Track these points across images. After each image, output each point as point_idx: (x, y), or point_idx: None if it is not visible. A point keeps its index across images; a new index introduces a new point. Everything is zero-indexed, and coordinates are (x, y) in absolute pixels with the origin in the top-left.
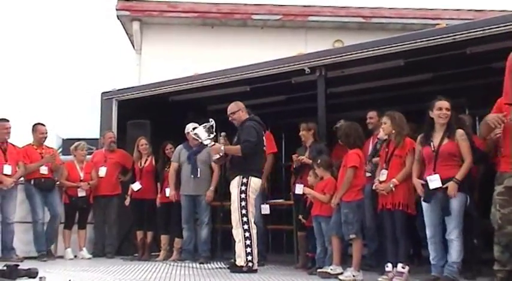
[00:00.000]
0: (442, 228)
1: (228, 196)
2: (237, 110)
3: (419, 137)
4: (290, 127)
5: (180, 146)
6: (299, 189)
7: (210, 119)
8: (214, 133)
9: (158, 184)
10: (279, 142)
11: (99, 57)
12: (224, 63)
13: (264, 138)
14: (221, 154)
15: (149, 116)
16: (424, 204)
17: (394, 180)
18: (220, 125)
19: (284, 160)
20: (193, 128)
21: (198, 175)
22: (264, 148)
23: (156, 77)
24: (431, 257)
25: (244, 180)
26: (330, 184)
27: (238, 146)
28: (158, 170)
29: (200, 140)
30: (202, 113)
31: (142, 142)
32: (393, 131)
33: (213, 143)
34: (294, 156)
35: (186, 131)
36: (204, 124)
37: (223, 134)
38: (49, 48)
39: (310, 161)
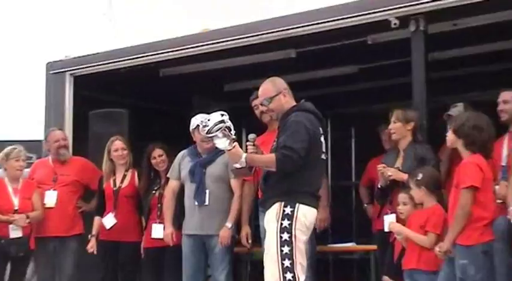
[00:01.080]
0: None
1: (259, 236)
2: (275, 95)
3: None
4: (365, 119)
5: (182, 153)
6: (388, 223)
7: (221, 113)
8: (234, 136)
9: (143, 218)
10: (345, 143)
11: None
12: (246, 16)
13: (322, 140)
14: (242, 166)
15: (127, 102)
16: None
17: None
18: (245, 120)
19: (355, 174)
20: (204, 125)
21: (207, 202)
22: (324, 156)
23: (138, 38)
24: None
25: (288, 210)
26: (435, 215)
27: (272, 156)
28: (143, 194)
29: (211, 142)
30: (215, 96)
31: (118, 146)
32: None
33: (230, 145)
34: (379, 167)
35: (191, 128)
36: (218, 117)
37: (251, 136)
38: None
39: (405, 176)
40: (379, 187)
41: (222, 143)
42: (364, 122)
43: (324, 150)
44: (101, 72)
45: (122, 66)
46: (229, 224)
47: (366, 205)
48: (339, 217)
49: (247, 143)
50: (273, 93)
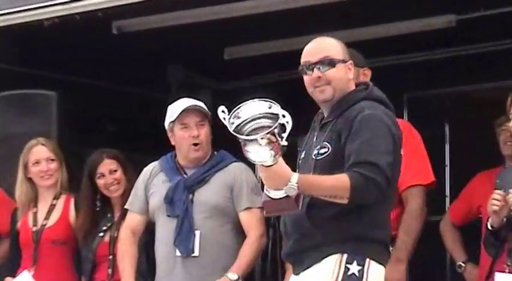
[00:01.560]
0: None
1: None
2: (342, 59)
3: None
4: (468, 107)
5: (151, 167)
6: None
7: (270, 104)
8: (284, 144)
9: (83, 278)
10: (432, 148)
11: None
12: None
13: (401, 149)
14: (287, 194)
15: (57, 79)
16: None
17: None
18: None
19: (449, 201)
20: (233, 116)
21: (196, 251)
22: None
23: None
24: None
25: (354, 268)
26: None
27: (343, 179)
28: (82, 238)
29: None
30: (207, 67)
31: (40, 156)
32: None
33: (272, 160)
34: (495, 195)
35: (167, 122)
36: (262, 107)
37: (282, 143)
38: None
39: None
40: (490, 227)
41: (260, 153)
42: (466, 113)
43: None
44: (8, 27)
45: (45, 16)
46: (233, 276)
47: (461, 264)
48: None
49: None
50: (340, 56)
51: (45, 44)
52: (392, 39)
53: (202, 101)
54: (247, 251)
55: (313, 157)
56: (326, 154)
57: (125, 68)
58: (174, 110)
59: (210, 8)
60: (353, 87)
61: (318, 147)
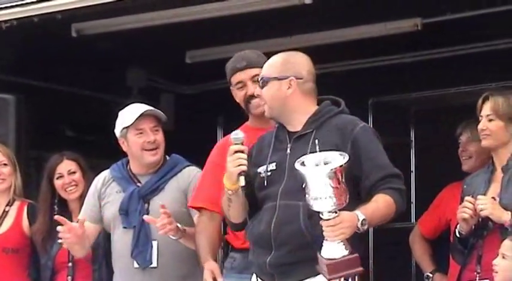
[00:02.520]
0: None
1: None
2: (276, 77)
3: None
4: (434, 112)
5: (103, 176)
6: None
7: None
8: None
9: None
10: (398, 156)
11: None
12: None
13: None
14: (362, 229)
15: (15, 82)
16: None
17: None
18: (221, 110)
19: (415, 212)
20: (315, 164)
21: (154, 262)
22: None
23: None
24: None
25: None
26: None
27: (388, 200)
28: (40, 244)
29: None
30: (168, 69)
31: None
32: None
33: (334, 213)
34: (466, 201)
35: (118, 128)
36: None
37: (236, 136)
38: None
39: (508, 213)
40: (458, 234)
41: (325, 205)
42: (432, 117)
43: None
44: None
45: (3, 18)
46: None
47: (429, 275)
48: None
49: (236, 147)
50: (275, 74)
51: (3, 47)
52: (357, 43)
53: (164, 105)
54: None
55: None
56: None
57: (84, 72)
58: (127, 115)
59: (171, 10)
60: (299, 101)
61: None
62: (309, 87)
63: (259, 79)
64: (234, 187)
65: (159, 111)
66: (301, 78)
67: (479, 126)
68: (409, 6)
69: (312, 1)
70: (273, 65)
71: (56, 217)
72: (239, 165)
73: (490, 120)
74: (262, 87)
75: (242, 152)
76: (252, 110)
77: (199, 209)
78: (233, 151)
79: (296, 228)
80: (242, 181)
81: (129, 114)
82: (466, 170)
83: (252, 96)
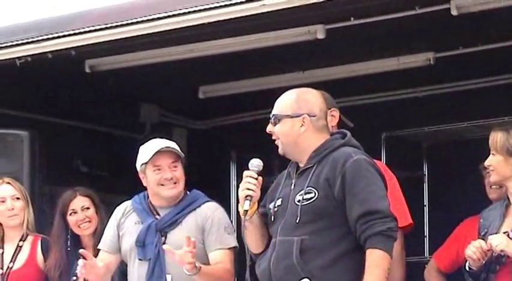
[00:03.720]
0: None
1: None
2: (290, 115)
3: None
4: (448, 147)
5: (124, 207)
6: None
7: None
8: None
9: None
10: (411, 192)
11: None
12: None
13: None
14: None
15: (29, 118)
16: None
17: None
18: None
19: (429, 246)
20: None
21: None
22: None
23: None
24: None
25: None
26: None
27: (378, 258)
28: (54, 278)
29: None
30: (181, 106)
31: (4, 195)
32: None
33: None
34: (475, 242)
35: (139, 163)
36: None
37: (255, 163)
38: None
39: None
40: (468, 268)
41: None
42: (445, 152)
43: None
44: None
45: (18, 55)
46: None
47: None
48: None
49: (248, 172)
50: (288, 111)
51: (17, 83)
52: (370, 78)
53: (177, 140)
54: (214, 268)
55: (297, 203)
56: (313, 199)
57: (98, 107)
58: (146, 151)
59: (184, 46)
60: (312, 138)
61: (302, 192)
62: (322, 124)
63: (271, 116)
64: (243, 212)
65: (177, 147)
66: (314, 116)
67: (485, 163)
68: (421, 40)
69: (324, 36)
70: (286, 102)
71: (81, 251)
72: (247, 189)
73: (493, 155)
74: (274, 125)
75: (254, 178)
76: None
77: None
78: (244, 175)
79: (289, 263)
80: (246, 205)
81: (148, 149)
82: (493, 198)
83: None
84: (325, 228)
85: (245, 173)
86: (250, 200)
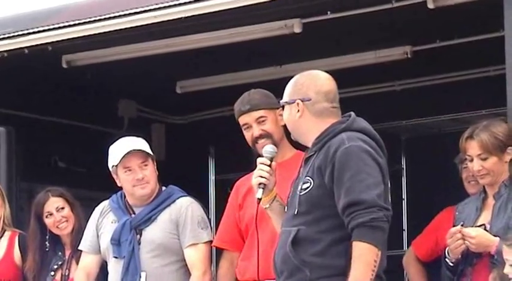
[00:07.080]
0: None
1: None
2: (285, 102)
3: None
4: (425, 140)
5: (102, 207)
6: None
7: None
8: None
9: None
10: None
11: None
12: None
13: (387, 177)
14: None
15: (6, 115)
16: None
17: None
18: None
19: (407, 239)
20: None
21: None
22: None
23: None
24: None
25: None
26: None
27: (361, 249)
28: (30, 278)
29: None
30: (158, 101)
31: None
32: None
33: None
34: (452, 231)
35: (111, 162)
36: None
37: (269, 149)
38: None
39: (495, 241)
40: (450, 263)
41: None
42: (423, 145)
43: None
44: None
45: None
46: None
47: None
48: None
49: (261, 159)
50: (286, 98)
51: None
52: (347, 71)
53: (154, 135)
54: None
55: (298, 193)
56: (309, 189)
57: (75, 103)
58: (115, 152)
59: (161, 41)
60: (310, 123)
61: (302, 182)
62: (321, 107)
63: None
64: (257, 200)
65: (146, 146)
66: (309, 100)
67: (474, 169)
68: (398, 34)
69: (301, 30)
70: (286, 89)
71: None
72: (260, 177)
73: (484, 159)
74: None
75: (267, 165)
76: (259, 151)
77: (221, 249)
78: (258, 163)
79: (284, 253)
80: (259, 193)
81: (117, 151)
82: (471, 193)
83: (258, 138)
84: (321, 218)
85: (258, 160)
86: (263, 188)
